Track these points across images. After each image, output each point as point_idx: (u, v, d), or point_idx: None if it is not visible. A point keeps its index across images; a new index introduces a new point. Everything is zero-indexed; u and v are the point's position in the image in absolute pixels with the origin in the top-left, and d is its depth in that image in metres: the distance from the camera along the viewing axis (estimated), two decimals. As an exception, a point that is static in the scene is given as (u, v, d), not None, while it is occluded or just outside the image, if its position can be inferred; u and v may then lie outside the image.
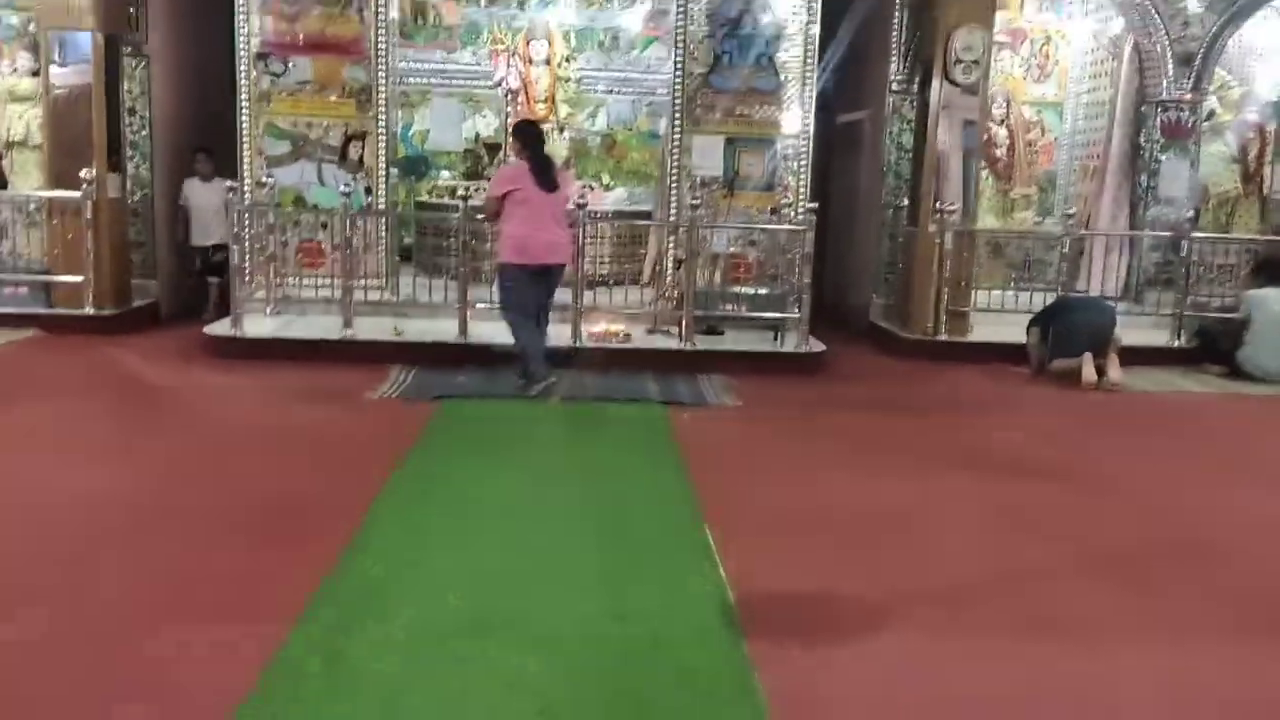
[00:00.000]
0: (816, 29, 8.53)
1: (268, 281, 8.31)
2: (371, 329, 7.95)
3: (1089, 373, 7.77)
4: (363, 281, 8.28)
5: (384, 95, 8.50)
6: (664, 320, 8.45)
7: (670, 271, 8.66)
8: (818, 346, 8.10)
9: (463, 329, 7.87)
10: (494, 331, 8.04)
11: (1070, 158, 11.06)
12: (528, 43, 10.17)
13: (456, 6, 11.16)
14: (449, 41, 11.17)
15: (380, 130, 8.53)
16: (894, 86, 9.17)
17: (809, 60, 8.56)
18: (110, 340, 8.07)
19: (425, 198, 10.49)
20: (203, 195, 9.14)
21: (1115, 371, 7.86)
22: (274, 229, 8.29)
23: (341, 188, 7.81)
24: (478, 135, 11.02)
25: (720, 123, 8.65)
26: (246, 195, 8.31)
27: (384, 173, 8.58)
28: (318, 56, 8.38)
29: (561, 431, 6.46)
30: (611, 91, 11.31)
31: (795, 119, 8.63)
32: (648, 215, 9.62)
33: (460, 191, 9.99)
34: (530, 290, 6.85)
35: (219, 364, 7.54)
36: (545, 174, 6.77)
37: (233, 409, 6.51)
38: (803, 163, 8.69)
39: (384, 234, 8.61)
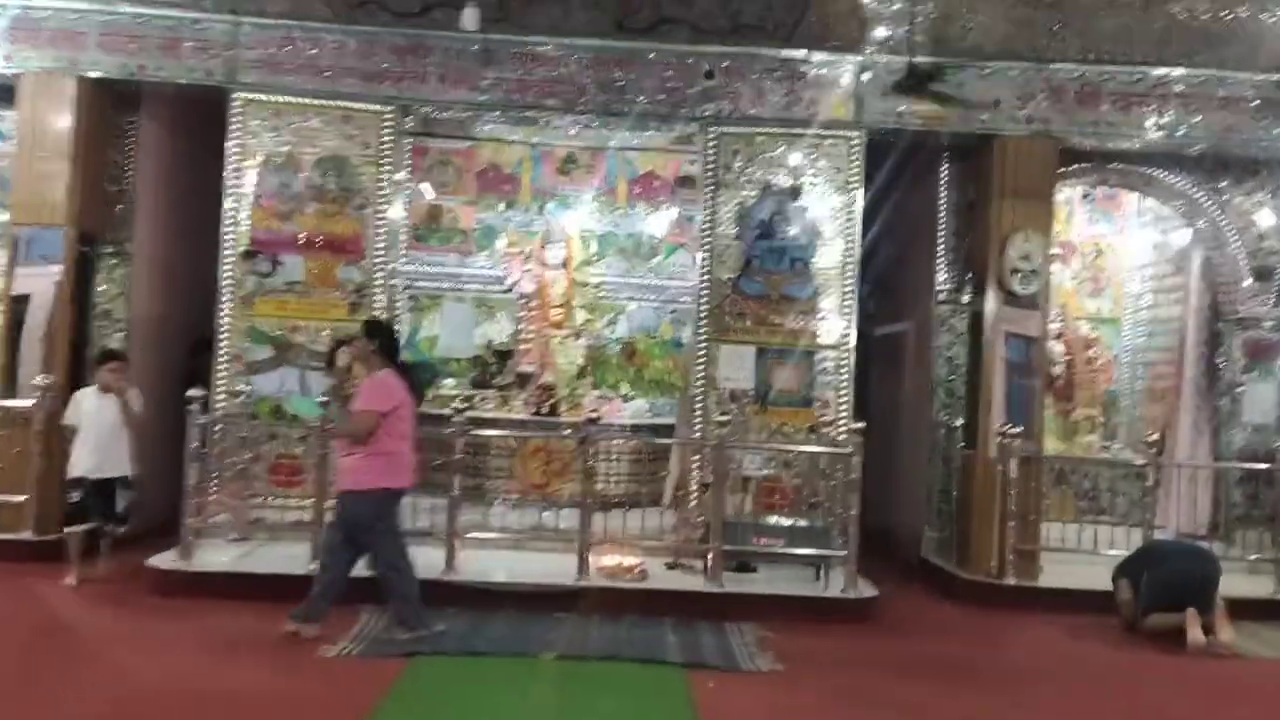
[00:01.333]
0: (857, 231, 7.70)
1: (233, 504, 7.20)
2: (346, 560, 6.76)
3: (1195, 634, 6.40)
4: (342, 503, 7.18)
5: (381, 296, 7.66)
6: (687, 553, 7.23)
7: (694, 496, 7.51)
8: (868, 590, 6.81)
9: (449, 562, 6.68)
10: (488, 567, 6.86)
11: (1133, 377, 10.02)
12: (543, 246, 9.44)
13: (473, 211, 10.55)
14: (464, 245, 10.48)
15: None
16: (941, 296, 8.26)
17: (849, 265, 7.68)
18: (47, 570, 6.87)
19: (426, 409, 9.48)
20: (98, 412, 6.75)
21: (1226, 632, 6.48)
22: (245, 443, 7.27)
23: (319, 396, 6.82)
24: (490, 342, 10.16)
25: (750, 331, 7.69)
26: (219, 406, 7.38)
27: (375, 381, 7.62)
28: (310, 255, 7.59)
29: (555, 704, 5.14)
30: (633, 299, 10.49)
31: (834, 328, 7.67)
32: (670, 429, 8.55)
33: (457, 402, 9.03)
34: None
35: (160, 604, 6.32)
36: (412, 384, 6.02)
37: (156, 667, 5.25)
38: (844, 376, 7.66)
39: (370, 450, 7.56)
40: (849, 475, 6.73)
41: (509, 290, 9.56)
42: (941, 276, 8.30)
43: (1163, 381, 9.47)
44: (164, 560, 6.62)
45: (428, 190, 10.44)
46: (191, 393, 6.63)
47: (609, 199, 10.61)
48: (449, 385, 9.69)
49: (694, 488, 7.55)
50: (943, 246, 8.26)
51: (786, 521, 7.10)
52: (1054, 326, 9.43)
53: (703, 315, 7.72)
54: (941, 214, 8.27)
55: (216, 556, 6.79)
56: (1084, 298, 10.05)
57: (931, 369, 8.34)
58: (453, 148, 10.53)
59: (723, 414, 6.99)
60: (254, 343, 7.52)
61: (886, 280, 9.02)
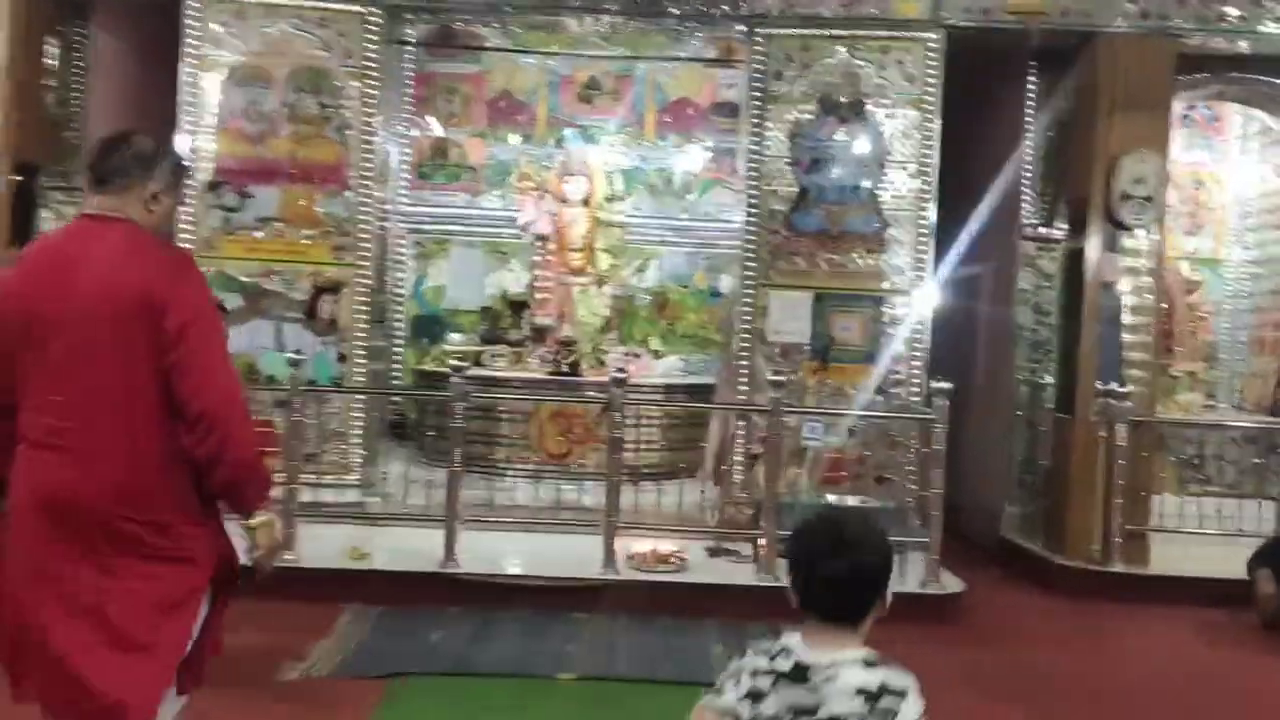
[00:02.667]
0: (935, 153, 6.36)
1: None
2: (328, 547, 5.58)
3: (1363, 637, 5.16)
4: (326, 478, 6.05)
5: (367, 235, 6.42)
6: (733, 537, 6.02)
7: (740, 469, 6.28)
8: (952, 584, 5.58)
9: (449, 550, 5.49)
10: (495, 555, 5.68)
11: (1234, 326, 8.66)
12: (561, 180, 8.15)
13: (483, 144, 9.30)
14: (472, 183, 9.25)
15: (362, 280, 6.41)
16: (1027, 231, 6.94)
17: (924, 193, 6.36)
18: None
19: (431, 365, 8.27)
20: None
21: (1399, 635, 5.23)
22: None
23: (290, 354, 5.62)
24: (504, 292, 8.91)
25: (806, 274, 6.40)
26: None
27: (363, 334, 6.41)
28: (285, 186, 6.35)
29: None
30: (664, 242, 9.24)
31: (906, 270, 6.38)
32: (707, 390, 7.34)
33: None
34: None
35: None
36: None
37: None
38: (919, 327, 6.38)
39: (357, 415, 6.37)
40: (932, 446, 5.47)
41: (523, 232, 8.27)
42: (1028, 208, 6.98)
43: (1273, 331, 8.12)
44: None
45: (434, 124, 9.22)
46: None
47: (636, 130, 9.35)
48: (456, 340, 8.48)
49: (739, 459, 6.33)
50: (1030, 172, 6.93)
51: (852, 500, 5.86)
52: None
53: (749, 256, 6.43)
54: (1029, 133, 6.92)
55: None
56: (1180, 235, 8.66)
57: (1012, 318, 7.05)
58: (459, 72, 9.29)
59: (776, 372, 5.71)
60: (220, 290, 6.30)
61: (956, 214, 7.67)
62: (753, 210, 6.42)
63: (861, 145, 6.35)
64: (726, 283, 9.05)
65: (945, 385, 5.52)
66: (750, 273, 6.42)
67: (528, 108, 9.31)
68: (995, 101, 7.16)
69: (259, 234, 6.30)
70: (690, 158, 9.24)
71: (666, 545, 5.74)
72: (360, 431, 6.37)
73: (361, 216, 6.37)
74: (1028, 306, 7.00)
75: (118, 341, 2.25)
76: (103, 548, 2.28)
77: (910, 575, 5.57)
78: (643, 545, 5.72)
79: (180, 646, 2.37)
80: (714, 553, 5.96)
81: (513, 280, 9.03)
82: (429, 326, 9.18)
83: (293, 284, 6.33)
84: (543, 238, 8.01)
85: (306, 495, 5.61)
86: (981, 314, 7.58)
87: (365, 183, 6.37)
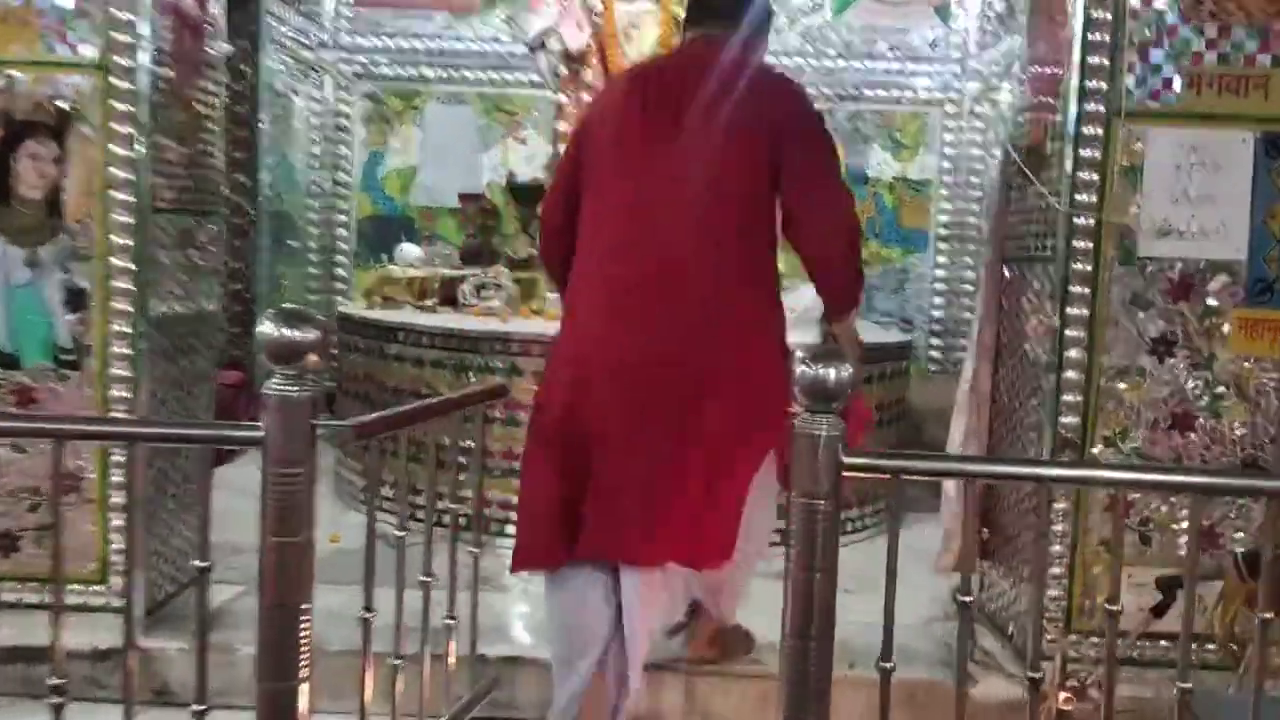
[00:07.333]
0: None
1: None
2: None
3: None
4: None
5: (146, 6, 2.48)
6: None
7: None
8: None
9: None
10: None
11: None
12: (608, -45, 4.11)
13: (475, -70, 5.37)
14: (459, -4, 5.38)
15: (124, 110, 2.49)
16: None
17: None
18: None
19: (370, 304, 4.32)
20: None
21: None
22: None
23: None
24: (510, 176, 4.94)
25: (1230, 92, 2.42)
26: None
27: (129, 241, 2.52)
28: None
29: None
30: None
31: None
32: (900, 351, 3.55)
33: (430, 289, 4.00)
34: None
35: None
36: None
37: None
38: None
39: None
40: None
41: (536, 48, 4.20)
42: None
43: None
44: None
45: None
46: None
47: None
48: (411, 256, 4.56)
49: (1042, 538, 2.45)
50: None
51: None
52: None
53: (1088, 53, 2.42)
54: None
55: None
56: None
57: None
58: None
59: None
60: None
61: None
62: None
63: None
64: (877, 161, 5.29)
65: None
66: (1097, 95, 2.41)
67: None
68: None
69: None
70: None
71: None
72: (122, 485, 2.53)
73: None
74: None
75: (727, 155, 2.12)
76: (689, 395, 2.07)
77: None
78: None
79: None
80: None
81: (524, 157, 5.19)
82: (390, 234, 5.35)
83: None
84: (571, 57, 3.98)
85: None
86: None
87: None
